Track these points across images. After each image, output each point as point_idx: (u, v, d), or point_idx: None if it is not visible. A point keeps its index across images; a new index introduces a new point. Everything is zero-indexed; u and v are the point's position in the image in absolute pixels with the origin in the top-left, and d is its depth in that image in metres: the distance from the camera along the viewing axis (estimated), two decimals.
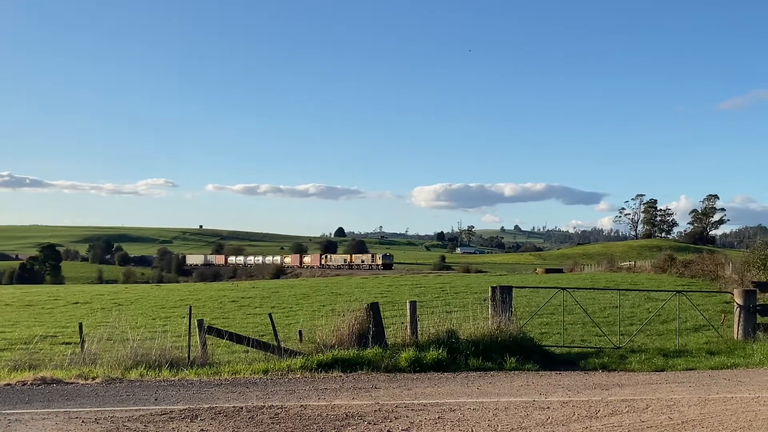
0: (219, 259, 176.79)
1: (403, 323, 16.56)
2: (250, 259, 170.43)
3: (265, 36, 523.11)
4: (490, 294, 17.10)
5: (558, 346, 17.09)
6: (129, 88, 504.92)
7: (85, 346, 14.75)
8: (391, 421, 8.82)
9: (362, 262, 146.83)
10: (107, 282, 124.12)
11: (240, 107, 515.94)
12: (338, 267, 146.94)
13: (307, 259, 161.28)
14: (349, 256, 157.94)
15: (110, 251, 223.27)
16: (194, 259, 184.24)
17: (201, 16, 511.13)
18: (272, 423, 8.80)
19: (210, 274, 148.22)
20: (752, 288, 19.94)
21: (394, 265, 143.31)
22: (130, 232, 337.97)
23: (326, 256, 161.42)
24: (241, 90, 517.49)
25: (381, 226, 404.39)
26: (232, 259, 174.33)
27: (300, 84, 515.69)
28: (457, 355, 14.51)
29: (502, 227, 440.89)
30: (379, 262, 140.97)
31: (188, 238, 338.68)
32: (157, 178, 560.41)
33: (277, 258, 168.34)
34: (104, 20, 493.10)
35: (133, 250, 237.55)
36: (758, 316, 18.30)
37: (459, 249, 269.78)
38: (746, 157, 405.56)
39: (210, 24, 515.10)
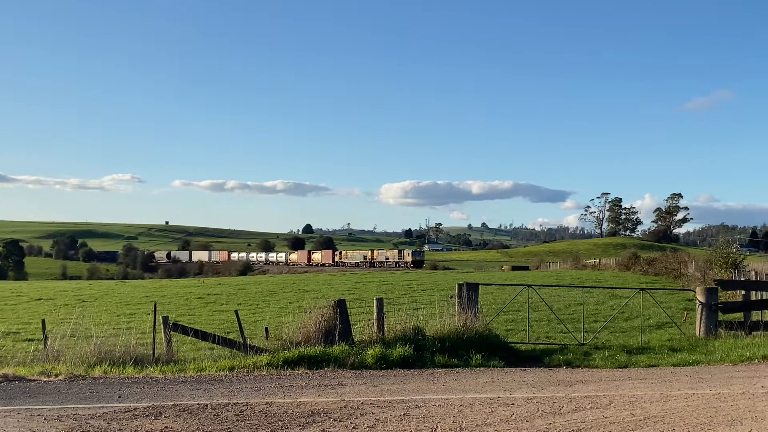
0: (222, 256, 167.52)
1: (369, 320, 16.58)
2: (252, 256, 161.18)
3: (233, 32, 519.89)
4: (456, 291, 17.19)
5: (523, 343, 17.22)
6: (96, 82, 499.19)
7: (48, 343, 14.57)
8: (356, 418, 8.83)
9: (387, 259, 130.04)
10: (71, 278, 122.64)
11: (207, 103, 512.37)
12: (356, 264, 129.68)
13: (316, 256, 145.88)
14: (370, 252, 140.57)
15: (75, 247, 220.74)
16: (199, 255, 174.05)
17: (169, 9, 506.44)
18: (237, 420, 8.76)
19: (176, 270, 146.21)
20: (714, 286, 20.24)
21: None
22: (95, 227, 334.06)
23: (342, 252, 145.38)
24: (208, 85, 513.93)
25: (349, 223, 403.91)
26: (234, 255, 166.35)
27: (268, 80, 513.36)
28: (424, 352, 14.55)
29: (470, 225, 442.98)
30: (409, 259, 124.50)
31: (154, 234, 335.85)
32: (123, 174, 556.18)
33: (282, 255, 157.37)
34: (67, 10, 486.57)
35: (98, 246, 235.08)
36: (720, 313, 18.59)
37: (427, 246, 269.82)
38: (710, 157, 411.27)
39: (179, 18, 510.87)
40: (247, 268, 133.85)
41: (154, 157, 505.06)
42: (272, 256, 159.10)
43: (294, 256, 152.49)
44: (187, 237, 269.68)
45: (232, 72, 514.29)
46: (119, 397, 10.49)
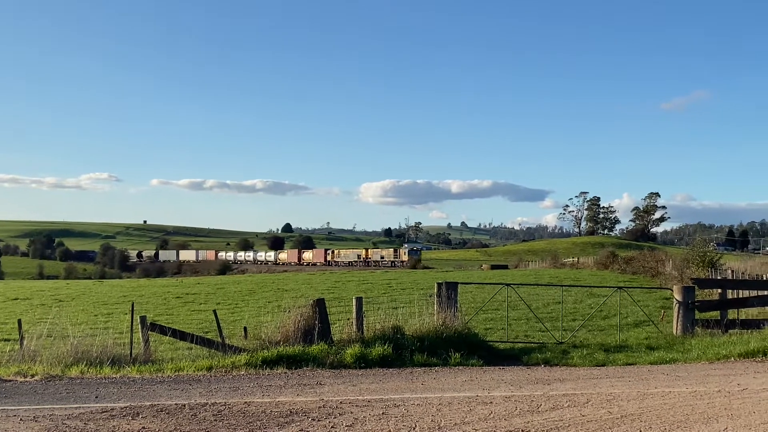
0: (209, 255, 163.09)
1: (349, 319, 16.58)
2: (240, 255, 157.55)
3: (210, 30, 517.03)
4: (435, 290, 17.23)
5: (502, 342, 17.28)
6: (73, 80, 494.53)
7: (24, 343, 14.47)
8: (335, 417, 8.82)
9: (382, 258, 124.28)
10: (48, 278, 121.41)
11: (186, 101, 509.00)
12: (350, 264, 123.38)
13: (307, 255, 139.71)
14: (365, 251, 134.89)
15: (51, 246, 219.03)
16: (186, 255, 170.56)
17: (146, 8, 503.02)
18: (215, 420, 8.73)
19: (154, 270, 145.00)
20: (691, 284, 20.42)
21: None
22: (72, 227, 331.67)
23: (334, 252, 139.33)
24: (186, 84, 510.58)
25: (328, 222, 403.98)
26: (222, 254, 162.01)
27: (247, 78, 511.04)
28: (403, 351, 14.57)
29: (449, 224, 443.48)
30: (405, 258, 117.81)
31: (132, 233, 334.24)
32: (101, 173, 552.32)
33: (271, 254, 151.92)
34: (43, 8, 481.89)
35: (75, 246, 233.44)
36: (697, 312, 18.75)
37: (406, 245, 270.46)
38: (687, 156, 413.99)
39: (157, 18, 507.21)
40: (225, 268, 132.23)
41: (132, 155, 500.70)
42: (260, 255, 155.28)
43: (284, 255, 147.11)
44: (165, 236, 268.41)
45: (210, 70, 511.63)
46: (96, 397, 10.42)
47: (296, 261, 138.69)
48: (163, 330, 15.69)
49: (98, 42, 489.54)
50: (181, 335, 15.64)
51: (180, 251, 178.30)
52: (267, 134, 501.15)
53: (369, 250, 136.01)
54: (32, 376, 12.17)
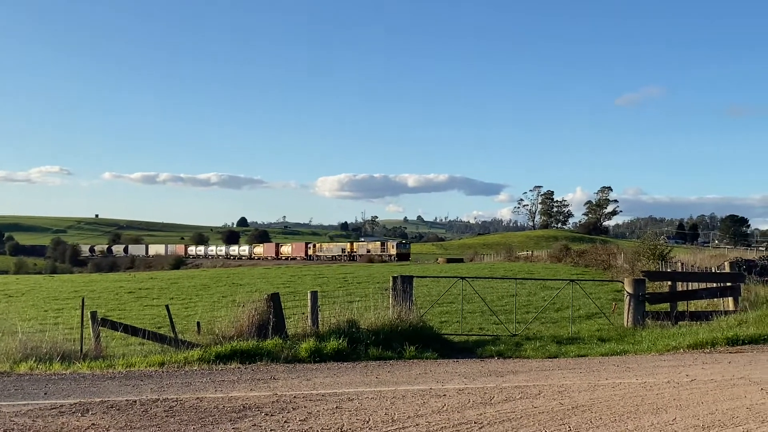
0: (179, 249, 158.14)
1: (304, 314, 16.55)
2: (212, 250, 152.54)
3: (165, 18, 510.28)
4: (391, 284, 17.28)
5: (457, 335, 17.41)
6: (21, 68, 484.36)
7: None
8: (288, 412, 8.79)
9: (368, 251, 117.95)
10: None
11: (138, 92, 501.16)
12: (333, 258, 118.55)
13: (285, 249, 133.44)
14: (349, 244, 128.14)
15: (1, 241, 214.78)
16: (155, 249, 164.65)
17: None
18: (167, 416, 8.63)
19: (107, 264, 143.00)
20: (642, 277, 20.76)
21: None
22: (22, 221, 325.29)
23: (315, 245, 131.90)
24: (138, 74, 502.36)
25: (284, 216, 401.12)
26: (192, 249, 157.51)
27: (201, 69, 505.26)
28: (358, 345, 14.60)
29: (406, 217, 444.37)
30: (393, 252, 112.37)
31: (83, 227, 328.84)
32: (51, 166, 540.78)
33: (245, 248, 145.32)
34: None
35: (25, 240, 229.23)
36: (647, 304, 19.07)
37: (363, 239, 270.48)
38: (638, 151, 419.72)
39: (109, 4, 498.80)
40: (180, 262, 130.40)
41: (84, 148, 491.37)
42: (233, 249, 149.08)
43: (260, 249, 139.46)
44: (118, 230, 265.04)
45: (163, 60, 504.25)
46: (45, 393, 10.25)
47: (273, 255, 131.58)
48: (114, 325, 15.49)
49: (49, 31, 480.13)
50: (133, 330, 15.47)
51: (149, 245, 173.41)
52: (222, 127, 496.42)
53: (354, 244, 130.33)
54: None
